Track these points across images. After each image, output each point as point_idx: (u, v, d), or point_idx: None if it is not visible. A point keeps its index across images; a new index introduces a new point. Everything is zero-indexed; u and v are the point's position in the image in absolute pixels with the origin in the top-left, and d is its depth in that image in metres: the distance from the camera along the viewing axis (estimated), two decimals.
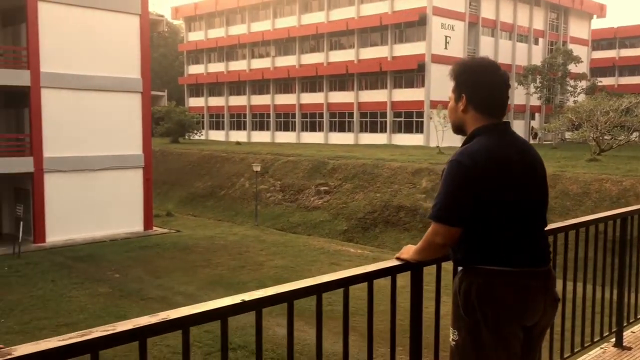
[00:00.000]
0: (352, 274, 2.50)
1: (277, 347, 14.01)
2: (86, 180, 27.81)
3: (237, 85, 63.72)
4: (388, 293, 2.72)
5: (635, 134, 38.39)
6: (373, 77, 52.10)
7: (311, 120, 57.09)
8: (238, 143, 52.81)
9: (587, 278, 4.02)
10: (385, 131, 51.09)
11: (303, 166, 36.44)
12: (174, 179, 42.53)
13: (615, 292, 4.40)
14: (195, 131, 57.92)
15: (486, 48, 50.91)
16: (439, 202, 2.55)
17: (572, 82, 51.53)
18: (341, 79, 54.49)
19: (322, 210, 32.23)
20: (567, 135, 47.64)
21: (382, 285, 2.75)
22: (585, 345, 4.14)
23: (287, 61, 58.82)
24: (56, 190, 26.95)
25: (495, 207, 2.46)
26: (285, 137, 58.11)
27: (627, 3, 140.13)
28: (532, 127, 56.97)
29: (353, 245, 27.35)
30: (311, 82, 56.90)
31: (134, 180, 29.62)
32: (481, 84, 2.58)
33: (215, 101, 66.19)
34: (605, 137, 37.37)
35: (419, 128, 49.09)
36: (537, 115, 57.91)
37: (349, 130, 53.81)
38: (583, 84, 54.64)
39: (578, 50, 56.04)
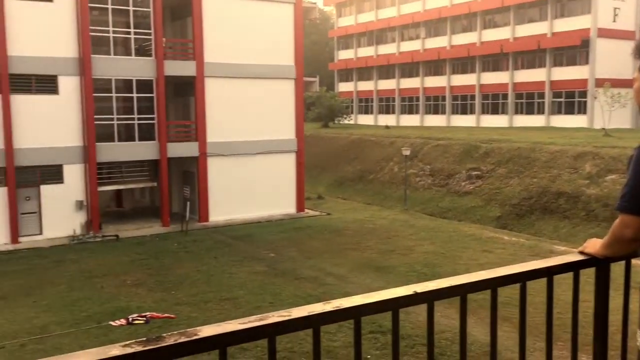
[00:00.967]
0: (530, 268, 2.31)
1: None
2: (244, 164, 29.43)
3: (386, 69, 63.57)
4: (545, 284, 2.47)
5: None
6: (530, 55, 49.15)
7: (462, 103, 55.36)
8: (387, 127, 52.75)
9: None
10: (543, 113, 48.07)
11: (454, 150, 35.50)
12: (324, 162, 43.58)
13: None
14: (345, 116, 58.79)
15: None
16: (627, 192, 2.34)
17: None
18: (495, 59, 52.10)
19: (473, 196, 31.22)
20: None
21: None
22: None
23: (437, 42, 57.45)
24: (218, 173, 28.85)
25: None
26: (434, 120, 56.99)
27: None
28: None
29: (507, 232, 26.18)
30: (462, 63, 55.11)
31: (288, 164, 30.82)
32: None
33: (365, 85, 66.62)
34: None
35: (582, 109, 45.54)
36: None
37: (503, 113, 51.39)
38: None
39: None
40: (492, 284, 2.21)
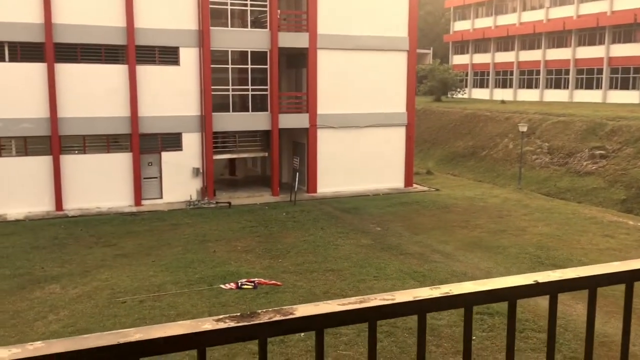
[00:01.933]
0: None
1: (537, 318, 13.23)
2: (353, 137, 29.38)
3: (504, 41, 60.61)
4: None
5: None
6: None
7: (587, 77, 51.70)
8: (503, 102, 50.47)
9: None
10: None
11: (576, 127, 33.31)
12: (434, 137, 42.59)
13: None
14: (459, 89, 56.95)
15: None
16: None
17: None
18: (627, 29, 47.99)
19: (595, 176, 29.21)
20: None
21: None
22: None
23: (562, 12, 53.79)
24: (327, 145, 29.04)
25: None
26: (555, 95, 53.72)
27: None
28: None
29: (632, 217, 24.30)
30: (590, 34, 51.28)
31: (397, 138, 30.38)
32: None
33: (480, 58, 64.00)
34: None
35: None
36: None
37: (634, 88, 47.44)
38: None
39: None
40: (628, 278, 1.92)
